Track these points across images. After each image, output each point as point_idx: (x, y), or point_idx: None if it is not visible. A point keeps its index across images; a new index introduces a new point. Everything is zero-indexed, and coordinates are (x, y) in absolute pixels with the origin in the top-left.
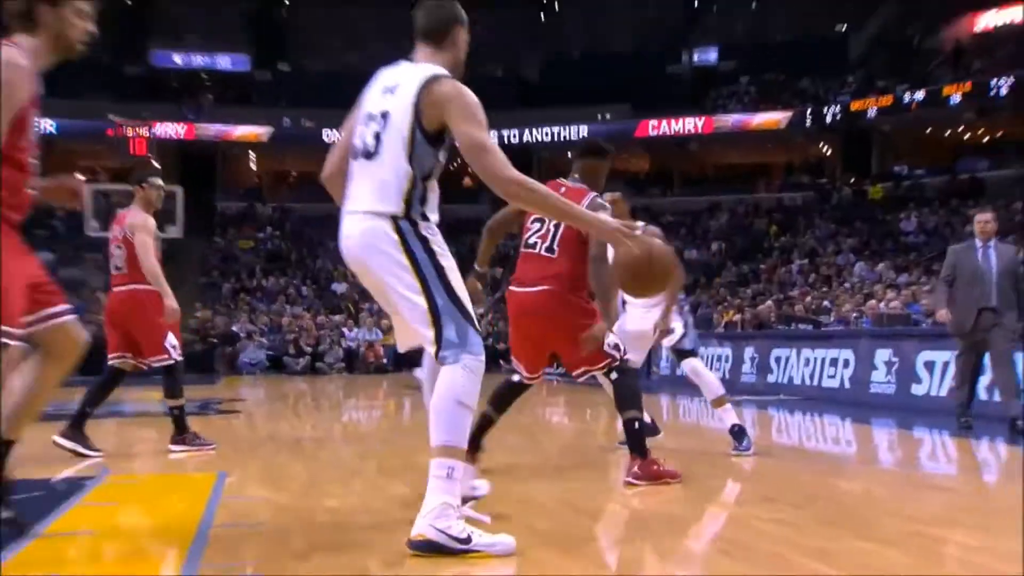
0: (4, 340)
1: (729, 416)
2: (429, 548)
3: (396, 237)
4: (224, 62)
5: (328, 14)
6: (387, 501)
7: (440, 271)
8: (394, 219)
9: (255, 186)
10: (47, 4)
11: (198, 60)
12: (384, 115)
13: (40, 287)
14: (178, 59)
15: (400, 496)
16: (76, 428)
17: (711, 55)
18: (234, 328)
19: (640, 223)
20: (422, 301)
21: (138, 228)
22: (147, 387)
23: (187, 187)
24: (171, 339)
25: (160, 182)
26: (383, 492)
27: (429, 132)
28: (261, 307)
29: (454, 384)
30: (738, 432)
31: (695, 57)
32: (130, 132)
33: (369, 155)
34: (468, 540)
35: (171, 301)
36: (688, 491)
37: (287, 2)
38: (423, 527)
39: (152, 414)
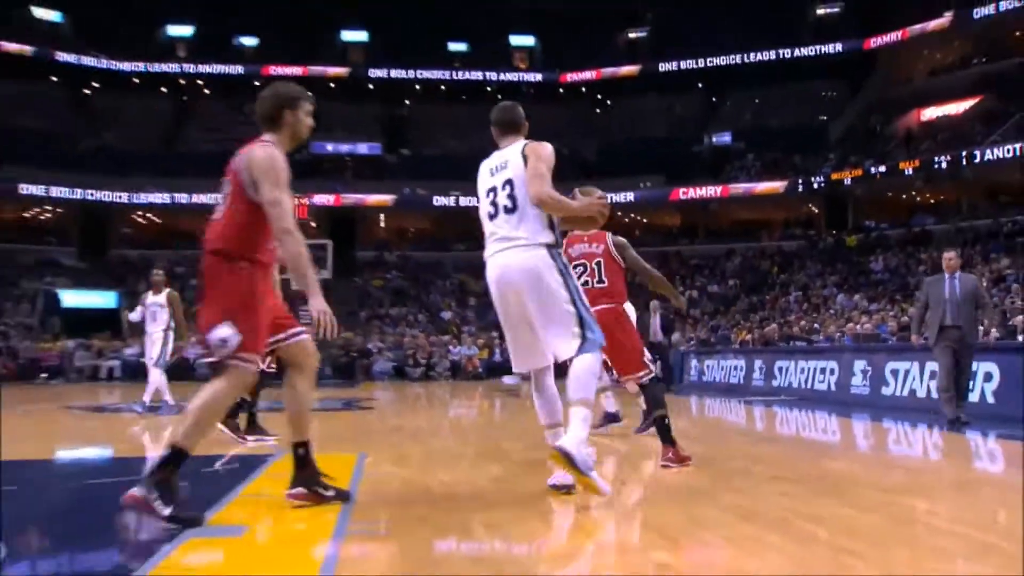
0: (246, 365)
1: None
2: (567, 458)
3: (551, 261)
4: (362, 148)
5: (438, 112)
6: (484, 478)
7: (577, 286)
8: (548, 247)
9: (384, 240)
10: (288, 108)
11: (343, 147)
12: (510, 181)
13: (279, 316)
14: (329, 147)
15: (494, 474)
16: (251, 423)
17: (726, 138)
18: (368, 346)
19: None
20: (572, 309)
21: None
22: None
23: (335, 241)
24: None
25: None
26: (481, 471)
27: None
28: (388, 330)
29: (593, 364)
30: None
31: (713, 139)
32: (295, 201)
33: (510, 210)
34: (591, 468)
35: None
36: (711, 471)
37: (407, 103)
38: (570, 445)
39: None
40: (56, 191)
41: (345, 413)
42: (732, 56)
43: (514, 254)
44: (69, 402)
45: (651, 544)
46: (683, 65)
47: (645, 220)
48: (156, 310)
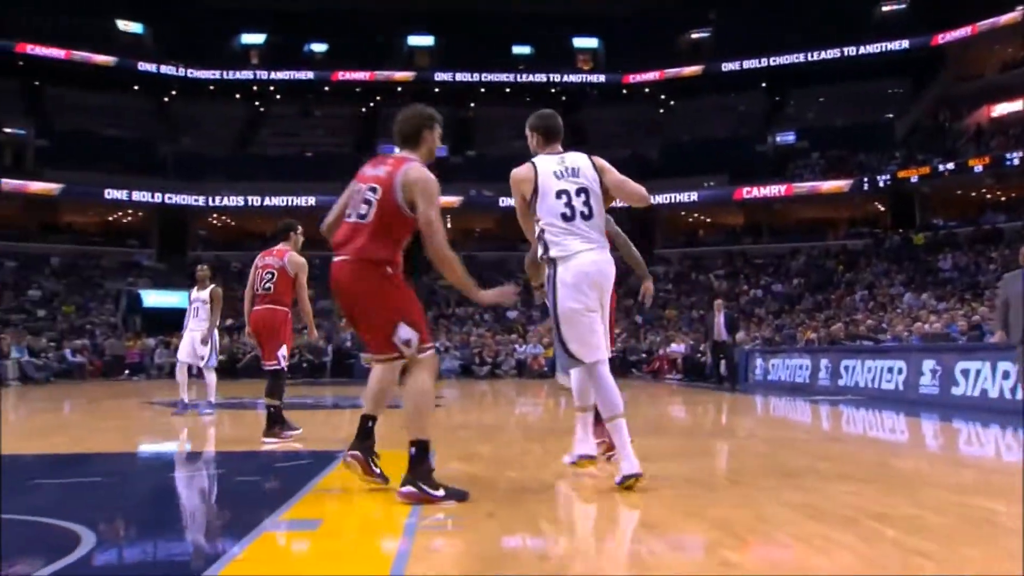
0: (429, 352)
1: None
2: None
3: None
4: None
5: (503, 113)
6: (551, 475)
7: None
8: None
9: (450, 240)
10: (427, 128)
11: None
12: (585, 190)
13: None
14: (397, 149)
15: (561, 471)
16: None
17: (789, 137)
18: (436, 344)
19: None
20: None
21: (301, 269)
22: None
23: None
24: (283, 351)
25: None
26: (548, 468)
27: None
28: (455, 328)
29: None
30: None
31: (777, 139)
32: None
33: (587, 217)
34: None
35: (314, 330)
36: (777, 469)
37: (472, 105)
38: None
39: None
40: (137, 195)
41: None
42: (796, 55)
43: (603, 255)
44: (150, 398)
45: (718, 543)
46: (746, 65)
47: (708, 220)
48: (199, 306)
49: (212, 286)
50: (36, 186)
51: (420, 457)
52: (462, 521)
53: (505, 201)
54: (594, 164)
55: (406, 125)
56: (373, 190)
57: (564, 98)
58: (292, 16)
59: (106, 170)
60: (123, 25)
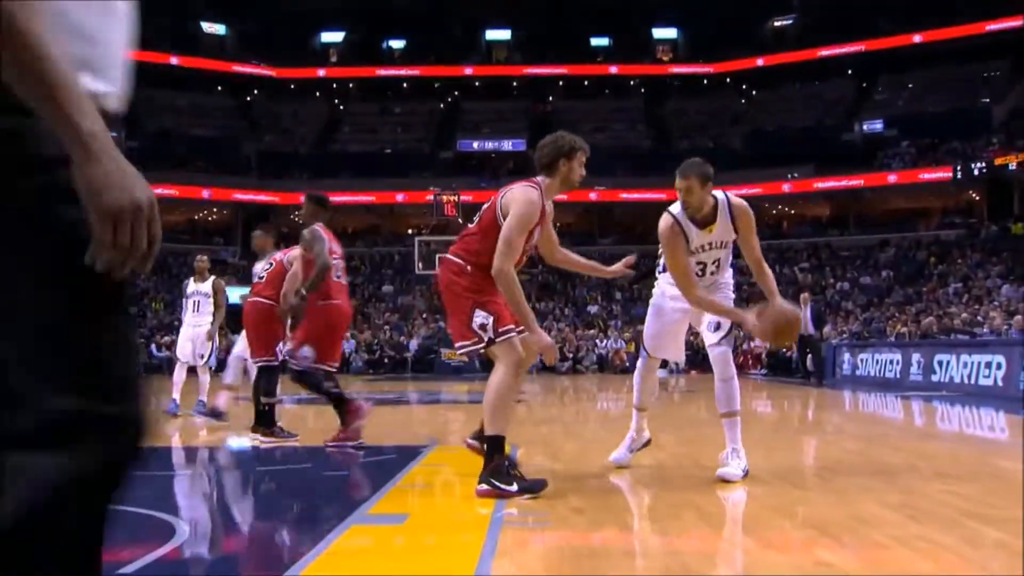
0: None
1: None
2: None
3: None
4: (507, 145)
5: (582, 106)
6: (638, 471)
7: None
8: None
9: None
10: (564, 158)
11: (489, 144)
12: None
13: None
14: (475, 144)
15: (648, 467)
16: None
17: (877, 125)
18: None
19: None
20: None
21: (295, 259)
22: (458, 381)
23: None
24: (283, 345)
25: None
26: (634, 464)
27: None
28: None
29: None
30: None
31: (864, 127)
32: (444, 199)
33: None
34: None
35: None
36: (872, 467)
37: (551, 99)
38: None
39: (460, 402)
40: (222, 194)
41: None
42: (883, 40)
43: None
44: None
45: (812, 542)
46: (831, 51)
47: (793, 211)
48: (200, 300)
49: (213, 277)
50: None
51: (492, 453)
52: (548, 516)
53: (585, 195)
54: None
55: (542, 153)
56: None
57: (643, 90)
58: (370, 14)
59: (192, 169)
60: (208, 27)
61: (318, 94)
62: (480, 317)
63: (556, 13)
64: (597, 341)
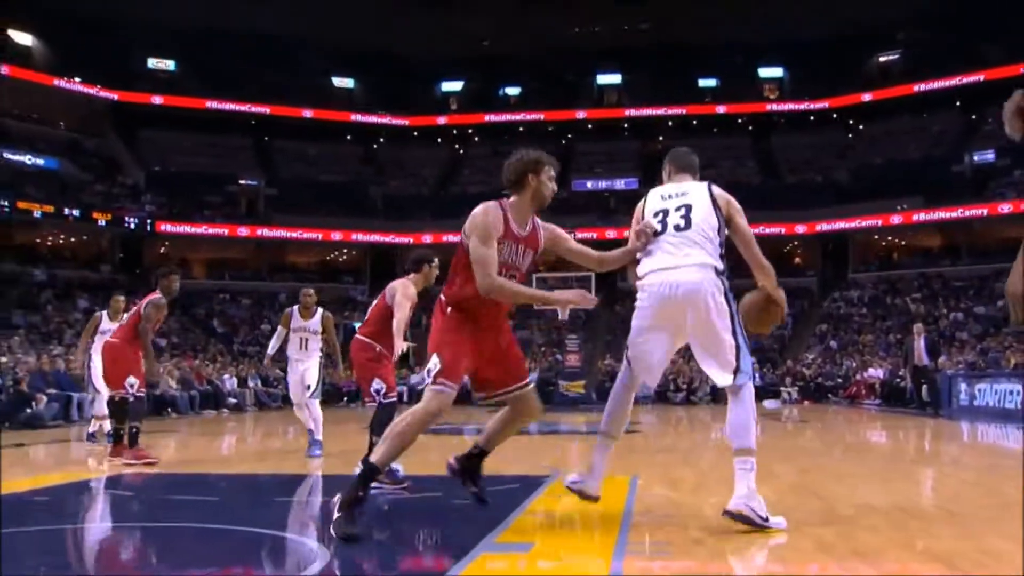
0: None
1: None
2: (743, 519)
3: (720, 284)
4: (619, 184)
5: (691, 145)
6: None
7: (736, 315)
8: (716, 271)
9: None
10: (532, 172)
11: (602, 184)
12: (687, 207)
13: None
14: (589, 184)
15: (766, 498)
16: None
17: (989, 156)
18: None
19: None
20: (730, 338)
21: (403, 297)
22: (575, 412)
23: (596, 273)
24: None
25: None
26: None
27: (721, 217)
28: None
29: (752, 404)
30: None
31: (975, 158)
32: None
33: (680, 229)
34: (767, 518)
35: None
36: (998, 501)
37: (661, 138)
38: (739, 504)
39: (578, 433)
40: (352, 236)
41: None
42: (991, 71)
43: (688, 272)
44: (363, 423)
45: None
46: (938, 84)
47: (903, 242)
48: (308, 337)
49: (322, 311)
50: (266, 231)
51: (361, 479)
52: (669, 547)
53: None
54: (709, 186)
55: (508, 170)
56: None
57: (751, 127)
58: (487, 63)
59: (323, 213)
60: (337, 82)
61: (439, 140)
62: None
63: (664, 56)
64: None
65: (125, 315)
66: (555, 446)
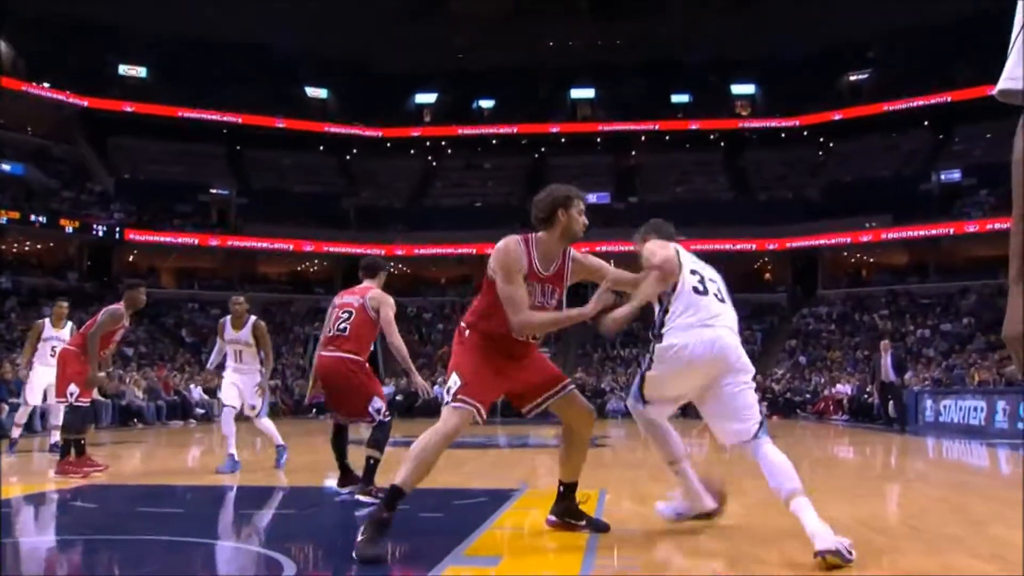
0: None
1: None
2: (838, 556)
3: (742, 350)
4: (592, 198)
5: (664, 160)
6: (727, 518)
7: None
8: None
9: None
10: (562, 208)
11: None
12: (715, 280)
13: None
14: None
15: (736, 513)
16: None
17: (955, 175)
18: (602, 385)
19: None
20: (753, 396)
21: (384, 304)
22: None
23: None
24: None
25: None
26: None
27: None
28: (620, 370)
29: (778, 451)
30: None
31: (943, 177)
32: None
33: (723, 300)
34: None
35: (416, 375)
36: (963, 518)
37: (634, 153)
38: (830, 542)
39: (548, 447)
40: (324, 247)
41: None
42: (959, 91)
43: (728, 333)
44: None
45: None
46: (908, 104)
47: (872, 259)
48: (241, 348)
49: (254, 319)
50: (237, 241)
51: (387, 501)
52: (636, 562)
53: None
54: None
55: (539, 206)
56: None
57: (723, 143)
58: (461, 75)
59: (296, 224)
60: (311, 92)
61: (412, 152)
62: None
63: (637, 72)
64: None
65: (68, 322)
66: (525, 459)
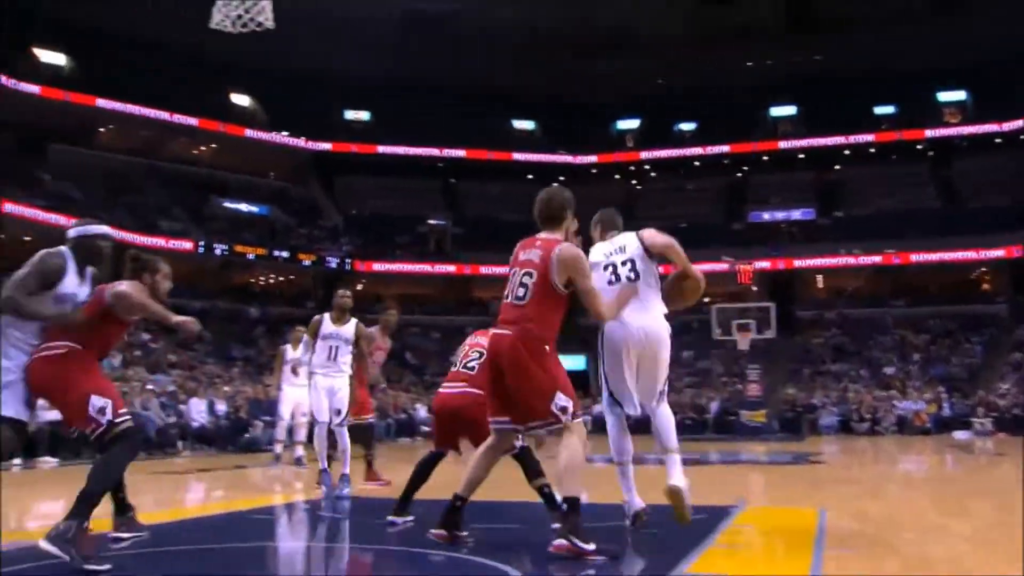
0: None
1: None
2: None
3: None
4: (796, 214)
5: (869, 173)
6: (955, 537)
7: None
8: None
9: (822, 299)
10: (570, 209)
11: (779, 215)
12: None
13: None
14: (766, 215)
15: (964, 535)
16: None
17: None
18: (813, 400)
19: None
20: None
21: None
22: (756, 442)
23: (776, 303)
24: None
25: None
26: (948, 531)
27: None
28: (831, 385)
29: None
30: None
31: None
32: (737, 268)
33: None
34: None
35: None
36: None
37: (837, 168)
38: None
39: (759, 463)
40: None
41: (795, 467)
42: None
43: (656, 320)
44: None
45: None
46: None
47: None
48: (338, 345)
49: (355, 320)
50: (454, 268)
51: (572, 512)
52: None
53: (873, 259)
54: (640, 236)
55: (551, 206)
56: (529, 275)
57: (931, 153)
58: (662, 100)
59: (506, 250)
60: (518, 124)
61: (616, 176)
62: (561, 401)
63: (839, 86)
64: (895, 402)
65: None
66: (739, 475)
